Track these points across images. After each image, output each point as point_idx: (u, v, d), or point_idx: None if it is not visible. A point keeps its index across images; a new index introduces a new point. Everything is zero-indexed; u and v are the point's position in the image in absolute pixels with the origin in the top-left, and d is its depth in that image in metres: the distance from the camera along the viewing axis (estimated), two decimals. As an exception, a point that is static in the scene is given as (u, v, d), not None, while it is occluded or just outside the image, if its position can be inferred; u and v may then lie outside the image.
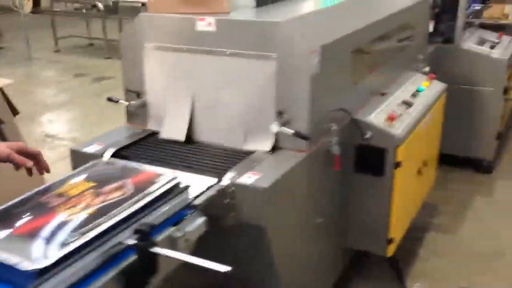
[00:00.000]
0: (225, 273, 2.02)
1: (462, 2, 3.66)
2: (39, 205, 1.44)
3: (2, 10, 10.40)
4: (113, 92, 2.36)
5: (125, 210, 1.39)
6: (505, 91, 3.78)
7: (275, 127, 1.91)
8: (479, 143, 3.88)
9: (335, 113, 2.15)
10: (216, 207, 1.76)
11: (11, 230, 1.30)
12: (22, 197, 1.49)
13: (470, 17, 4.66)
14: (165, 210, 1.48)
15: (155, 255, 1.31)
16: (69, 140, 4.74)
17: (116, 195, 1.47)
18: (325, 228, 2.30)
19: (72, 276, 1.21)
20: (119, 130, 2.22)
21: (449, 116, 3.72)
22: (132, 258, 1.34)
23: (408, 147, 2.39)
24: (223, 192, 1.76)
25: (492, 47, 3.83)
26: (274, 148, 1.99)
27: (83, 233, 1.27)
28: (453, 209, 3.51)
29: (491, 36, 4.08)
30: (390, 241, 2.47)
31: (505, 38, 4.12)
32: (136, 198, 1.45)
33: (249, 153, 1.99)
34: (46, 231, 1.29)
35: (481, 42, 3.90)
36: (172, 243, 1.48)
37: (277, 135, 1.97)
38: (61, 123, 5.44)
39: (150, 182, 1.54)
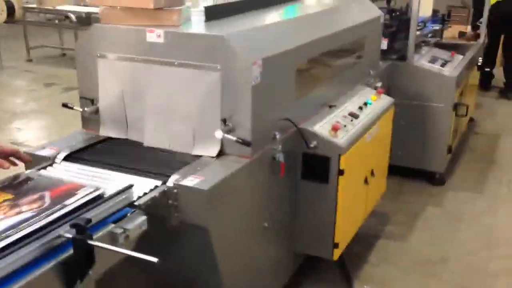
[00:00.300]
0: (171, 273, 2.13)
1: (413, 23, 3.86)
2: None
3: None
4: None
5: (35, 223, 1.42)
6: (455, 107, 3.98)
7: (219, 134, 2.03)
8: (431, 156, 4.06)
9: (280, 122, 2.28)
10: (161, 208, 1.87)
11: None
12: None
13: (429, 35, 4.89)
14: (105, 208, 1.59)
15: (91, 247, 1.41)
16: (35, 149, 4.77)
17: (32, 207, 1.52)
18: (273, 232, 2.42)
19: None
20: (73, 135, 2.32)
21: (403, 129, 3.92)
22: (71, 250, 1.44)
23: (351, 156, 2.53)
24: (166, 194, 1.86)
25: (443, 65, 4.03)
26: (221, 154, 2.11)
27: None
28: (405, 219, 3.66)
29: (444, 54, 4.29)
30: (336, 246, 2.60)
31: (457, 57, 4.34)
32: (50, 211, 1.49)
33: (196, 158, 2.10)
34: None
35: (433, 60, 4.10)
36: (112, 239, 1.58)
37: (223, 142, 2.09)
38: (29, 131, 5.48)
39: (70, 194, 1.60)
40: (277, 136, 2.24)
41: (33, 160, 2.08)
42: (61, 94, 6.67)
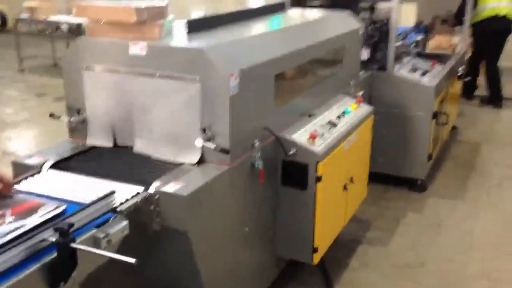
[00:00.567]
0: (154, 278, 2.22)
1: (392, 34, 3.98)
2: None
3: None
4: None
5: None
6: (435, 115, 4.10)
7: (199, 142, 2.13)
8: (412, 164, 4.18)
9: (259, 131, 2.38)
10: (143, 214, 1.96)
11: None
12: None
13: (412, 46, 5.03)
14: (88, 213, 1.67)
15: (74, 250, 1.50)
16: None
17: None
18: (254, 237, 2.51)
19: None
20: (60, 144, 2.41)
21: (384, 137, 4.05)
22: (55, 254, 1.52)
23: (329, 163, 2.63)
24: (148, 200, 1.95)
25: (422, 75, 4.16)
26: (201, 161, 2.20)
27: None
28: (386, 224, 3.77)
29: (424, 64, 4.42)
30: (315, 250, 2.69)
31: (437, 67, 4.47)
32: (9, 229, 1.53)
33: (178, 165, 2.20)
34: None
35: (414, 69, 4.23)
36: (95, 243, 1.66)
37: (203, 150, 2.18)
38: (20, 140, 5.55)
39: (31, 211, 1.65)
40: (256, 144, 2.34)
41: (21, 169, 2.18)
42: (52, 103, 6.75)
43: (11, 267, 1.45)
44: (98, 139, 2.38)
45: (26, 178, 2.08)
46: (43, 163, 2.18)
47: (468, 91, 6.49)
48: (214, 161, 2.19)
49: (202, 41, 2.24)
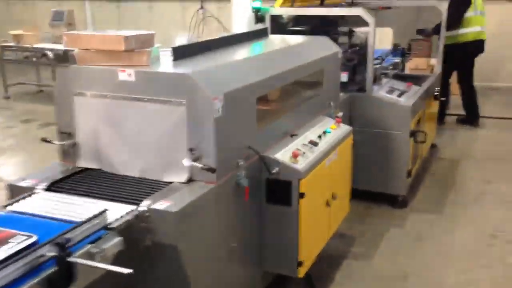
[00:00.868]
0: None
1: (370, 57, 4.16)
2: None
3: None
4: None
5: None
6: (412, 134, 4.27)
7: (187, 162, 2.24)
8: (392, 181, 4.32)
9: (243, 150, 2.50)
10: (135, 230, 2.06)
11: None
12: None
13: (390, 68, 5.23)
14: (82, 230, 1.77)
15: (71, 263, 1.59)
16: (13, 183, 4.91)
17: None
18: (241, 251, 2.61)
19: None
20: (52, 167, 2.50)
21: (365, 156, 4.20)
22: (53, 268, 1.62)
23: (311, 180, 2.76)
24: (139, 217, 2.06)
25: (399, 95, 4.34)
26: (189, 180, 2.32)
27: None
28: (369, 240, 3.89)
29: (401, 85, 4.60)
30: (300, 264, 2.79)
31: (414, 88, 4.66)
32: None
33: (166, 184, 2.31)
34: None
35: (391, 91, 4.41)
36: (90, 258, 1.76)
37: (191, 169, 2.30)
38: (8, 166, 5.60)
39: (2, 242, 1.65)
40: (241, 163, 2.46)
41: (16, 191, 2.27)
42: (38, 130, 6.82)
43: (12, 281, 1.54)
44: (89, 161, 2.48)
45: (21, 199, 2.17)
46: (37, 185, 2.27)
47: (439, 116, 6.66)
48: (201, 180, 2.31)
49: (187, 67, 2.38)
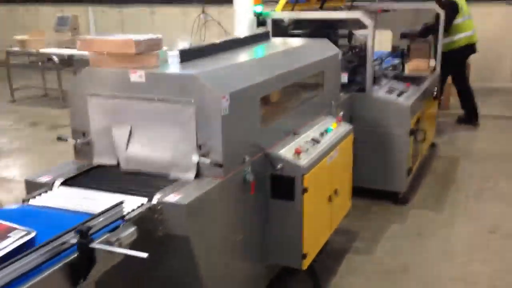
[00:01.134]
0: (159, 280, 2.43)
1: (369, 58, 4.29)
2: None
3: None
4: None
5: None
6: (412, 133, 4.39)
7: (195, 158, 2.37)
8: (393, 178, 4.44)
9: (249, 147, 2.63)
10: (148, 222, 2.19)
11: None
12: None
13: (390, 69, 5.35)
14: (101, 220, 1.90)
15: (92, 249, 1.72)
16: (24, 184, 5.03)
17: None
18: (247, 244, 2.73)
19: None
20: (67, 164, 2.63)
21: (367, 154, 4.32)
22: (75, 254, 1.74)
23: (314, 176, 2.88)
24: (152, 209, 2.18)
25: (399, 95, 4.46)
26: (197, 175, 2.44)
27: None
28: (371, 235, 4.00)
29: (400, 86, 4.72)
30: (304, 256, 2.91)
31: (412, 88, 4.78)
32: None
33: (176, 179, 2.43)
34: None
35: (390, 91, 4.53)
36: (109, 245, 1.88)
37: (199, 164, 2.42)
38: (17, 167, 5.74)
39: (2, 236, 1.68)
40: (247, 159, 2.59)
41: (33, 187, 2.40)
42: (45, 132, 6.96)
43: (36, 266, 1.66)
44: (103, 158, 2.61)
45: (39, 194, 2.30)
46: (54, 181, 2.40)
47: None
48: (209, 175, 2.43)
49: (195, 68, 2.51)
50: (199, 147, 2.39)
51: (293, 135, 3.10)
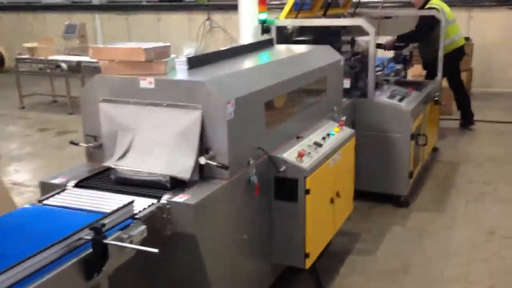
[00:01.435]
0: (167, 277, 2.53)
1: (371, 64, 4.39)
2: None
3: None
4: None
5: None
6: (413, 137, 4.49)
7: (202, 160, 2.48)
8: (395, 181, 4.54)
9: (253, 150, 2.74)
10: (157, 221, 2.30)
11: None
12: None
13: (392, 74, 5.46)
14: (113, 218, 2.01)
15: (106, 245, 1.83)
16: (34, 187, 5.17)
17: None
18: (252, 243, 2.84)
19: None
20: (80, 167, 2.75)
21: (369, 158, 4.43)
22: (90, 250, 1.86)
23: (316, 178, 2.99)
24: (161, 209, 2.30)
25: (400, 100, 4.56)
26: (204, 177, 2.55)
27: None
28: (373, 236, 4.10)
29: (402, 91, 4.83)
30: (307, 255, 3.01)
31: (414, 93, 4.88)
32: None
33: (183, 181, 2.54)
34: None
35: (392, 96, 4.63)
36: (121, 241, 1.99)
37: (206, 167, 2.54)
38: (27, 172, 5.87)
39: None
40: (251, 162, 2.70)
41: (48, 188, 2.52)
42: (54, 138, 7.11)
43: (53, 261, 1.77)
44: (113, 161, 2.72)
45: (53, 195, 2.42)
46: (67, 182, 2.52)
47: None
48: (215, 177, 2.54)
49: (202, 75, 2.63)
50: (206, 150, 2.50)
51: (296, 139, 3.21)
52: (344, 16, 5.93)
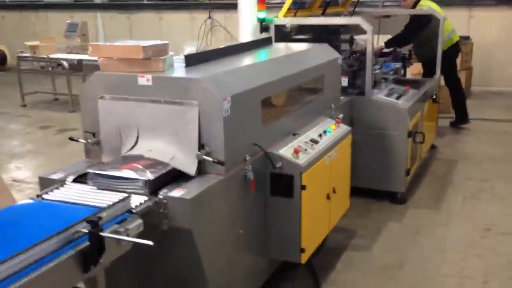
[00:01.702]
0: (163, 273, 2.57)
1: (368, 62, 4.43)
2: None
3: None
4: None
5: None
6: (410, 134, 4.52)
7: (199, 156, 2.52)
8: (392, 178, 4.58)
9: (249, 147, 2.78)
10: (154, 216, 2.34)
11: None
12: None
13: (391, 73, 5.49)
14: (109, 212, 2.05)
15: (102, 237, 1.87)
16: (35, 184, 5.21)
17: None
18: (248, 238, 2.88)
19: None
20: (78, 162, 2.80)
21: (366, 155, 4.47)
22: (86, 242, 1.90)
23: (312, 174, 3.02)
24: (158, 203, 2.34)
25: (397, 98, 4.60)
26: (200, 173, 2.59)
27: None
28: (369, 233, 4.14)
29: (400, 89, 4.86)
30: (303, 250, 3.05)
31: (411, 91, 4.92)
32: None
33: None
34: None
35: (390, 94, 4.67)
36: (117, 235, 2.03)
37: (202, 162, 2.58)
38: (28, 169, 5.92)
39: None
40: (247, 158, 2.74)
41: (47, 183, 2.56)
42: (55, 135, 7.16)
43: (51, 253, 1.82)
44: (111, 157, 2.77)
45: (52, 190, 2.46)
46: (66, 178, 2.56)
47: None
48: (212, 172, 2.59)
49: (199, 73, 2.67)
50: (202, 146, 2.54)
51: (293, 136, 3.25)
52: (345, 15, 5.96)
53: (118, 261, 2.09)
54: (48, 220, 2.08)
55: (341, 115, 3.89)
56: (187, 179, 2.54)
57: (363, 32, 4.54)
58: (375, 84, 4.71)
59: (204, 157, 2.52)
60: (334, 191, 3.41)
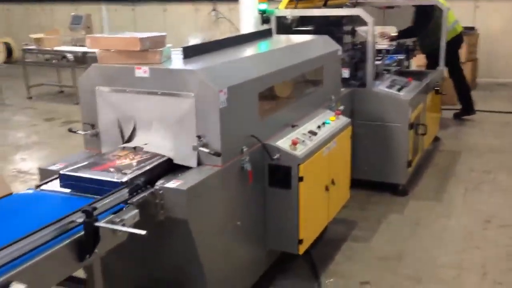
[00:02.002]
0: (160, 264, 2.60)
1: (369, 54, 4.42)
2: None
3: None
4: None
5: None
6: (412, 126, 4.51)
7: (195, 147, 2.54)
8: (393, 170, 4.57)
9: (247, 138, 2.79)
10: (151, 206, 2.37)
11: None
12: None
13: (394, 64, 5.46)
14: (105, 202, 2.08)
15: (97, 227, 1.90)
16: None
17: None
18: (246, 230, 2.90)
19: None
20: (78, 154, 2.82)
21: (367, 147, 4.47)
22: (82, 232, 1.93)
23: (309, 166, 3.04)
24: (154, 194, 2.36)
25: (399, 90, 4.58)
26: (198, 164, 2.61)
27: None
28: (369, 224, 4.14)
29: (402, 81, 4.85)
30: (300, 242, 3.07)
31: (414, 83, 4.90)
32: None
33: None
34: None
35: (391, 85, 4.65)
36: (111, 224, 2.06)
37: (199, 154, 2.60)
38: (33, 161, 5.97)
39: None
40: (244, 150, 2.75)
41: (46, 174, 2.59)
42: (60, 127, 7.21)
43: (46, 242, 1.85)
44: (110, 148, 2.79)
45: (51, 181, 2.49)
46: (65, 169, 2.59)
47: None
48: (208, 164, 2.60)
49: (195, 64, 2.68)
50: (198, 137, 2.56)
51: (291, 128, 3.26)
52: (348, 6, 5.93)
53: (115, 251, 2.12)
54: (45, 210, 2.12)
55: (341, 107, 3.90)
56: (184, 170, 2.56)
57: (365, 23, 4.53)
58: (377, 75, 4.70)
59: (201, 148, 2.54)
60: (333, 182, 3.42)
